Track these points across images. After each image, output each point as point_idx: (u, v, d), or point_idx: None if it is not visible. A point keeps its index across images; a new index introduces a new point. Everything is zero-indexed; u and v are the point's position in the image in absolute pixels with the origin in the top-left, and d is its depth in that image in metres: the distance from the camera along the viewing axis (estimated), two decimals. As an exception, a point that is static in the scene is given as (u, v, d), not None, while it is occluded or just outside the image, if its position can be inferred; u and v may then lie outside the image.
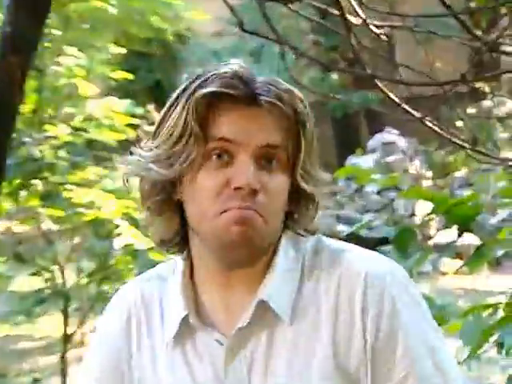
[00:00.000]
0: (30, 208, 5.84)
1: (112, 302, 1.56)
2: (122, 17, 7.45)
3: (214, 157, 1.38)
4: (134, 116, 6.64)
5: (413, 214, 12.09)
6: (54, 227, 6.08)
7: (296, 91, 1.41)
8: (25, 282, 6.70)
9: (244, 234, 1.36)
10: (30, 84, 5.65)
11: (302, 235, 1.46)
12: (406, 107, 2.77)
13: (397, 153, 13.33)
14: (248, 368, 1.41)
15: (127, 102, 6.53)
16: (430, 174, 13.94)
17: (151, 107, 12.45)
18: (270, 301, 1.40)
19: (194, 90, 1.38)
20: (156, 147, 1.40)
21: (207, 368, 1.43)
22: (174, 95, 1.41)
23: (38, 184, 5.70)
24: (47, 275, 6.19)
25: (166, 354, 1.46)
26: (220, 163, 1.38)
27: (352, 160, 12.98)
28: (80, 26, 6.91)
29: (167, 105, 1.41)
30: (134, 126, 7.20)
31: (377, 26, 2.74)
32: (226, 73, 1.39)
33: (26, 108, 5.53)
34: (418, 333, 1.41)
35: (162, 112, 1.42)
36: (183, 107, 1.38)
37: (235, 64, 1.41)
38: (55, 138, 5.79)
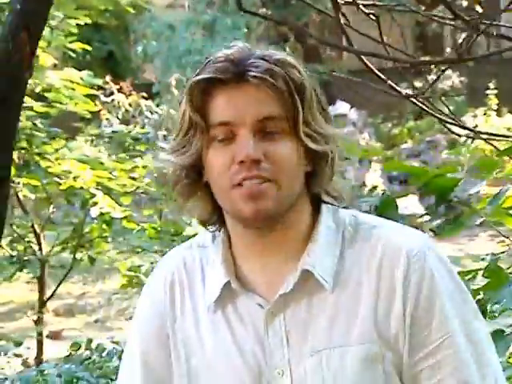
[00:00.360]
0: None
1: (156, 269, 1.59)
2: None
3: (218, 139, 1.42)
4: (93, 87, 6.59)
5: (364, 184, 12.22)
6: (31, 196, 6.05)
7: (289, 59, 1.43)
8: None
9: (257, 209, 1.39)
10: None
11: (336, 205, 1.49)
12: (392, 84, 2.85)
13: (348, 125, 13.44)
14: (287, 329, 1.44)
15: (84, 73, 6.46)
16: (378, 144, 14.07)
17: (109, 78, 12.37)
18: (313, 270, 1.43)
19: (191, 81, 1.43)
20: (174, 139, 1.47)
21: (248, 329, 1.45)
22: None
23: (14, 153, 5.65)
24: (24, 242, 6.16)
25: (208, 317, 1.48)
26: (224, 143, 1.41)
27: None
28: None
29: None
30: (93, 97, 7.17)
31: (365, 6, 2.81)
32: (218, 58, 1.42)
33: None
34: (453, 305, 1.43)
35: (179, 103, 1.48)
36: (185, 99, 1.43)
37: (234, 46, 1.44)
38: (31, 109, 5.74)
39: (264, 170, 1.39)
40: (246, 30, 16.62)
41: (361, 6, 2.77)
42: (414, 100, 2.89)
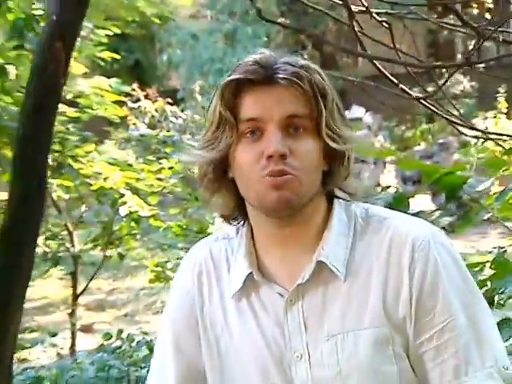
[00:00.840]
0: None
1: (185, 260, 1.63)
2: (111, 2, 7.44)
3: (248, 135, 1.45)
4: (120, 94, 6.64)
5: (378, 184, 12.21)
6: (64, 196, 6.10)
7: (312, 65, 1.47)
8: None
9: (281, 197, 1.42)
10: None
11: (349, 200, 1.53)
12: (404, 87, 2.89)
13: (363, 128, 13.43)
14: (305, 316, 1.47)
15: (113, 80, 6.52)
16: (392, 147, 14.03)
17: (135, 86, 12.41)
18: (327, 261, 1.46)
19: (223, 82, 1.47)
20: (203, 136, 1.50)
21: (270, 315, 1.49)
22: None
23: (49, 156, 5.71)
24: (57, 240, 6.20)
25: (234, 304, 1.52)
26: (253, 139, 1.45)
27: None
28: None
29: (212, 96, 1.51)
30: (121, 104, 7.22)
31: (378, 14, 2.85)
32: (248, 62, 1.46)
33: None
34: (456, 291, 1.45)
35: (209, 103, 1.51)
36: (216, 97, 1.47)
37: (261, 52, 1.48)
38: (64, 114, 5.80)
39: (289, 165, 1.42)
40: (265, 39, 16.64)
41: (374, 15, 2.81)
42: (425, 102, 2.93)
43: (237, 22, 16.78)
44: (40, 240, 5.99)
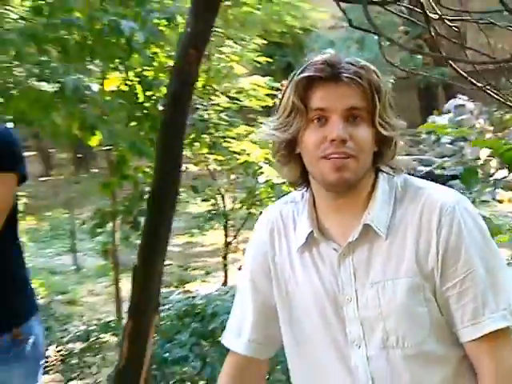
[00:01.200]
0: (201, 154, 5.98)
1: (261, 218, 1.61)
2: (265, 18, 7.47)
3: (315, 121, 1.41)
4: (272, 89, 6.67)
5: (478, 158, 11.71)
6: (218, 168, 6.22)
7: (371, 66, 1.42)
8: (197, 206, 6.90)
9: (340, 178, 1.39)
10: (202, 67, 5.77)
11: (392, 174, 1.47)
12: (471, 79, 2.70)
13: (466, 113, 12.88)
14: (354, 267, 1.44)
15: (267, 78, 6.54)
16: (491, 128, 13.39)
17: (284, 82, 12.44)
18: (372, 224, 1.43)
19: (296, 77, 1.42)
20: (277, 118, 1.45)
21: (327, 266, 1.47)
22: (288, 80, 1.45)
23: (206, 138, 5.82)
24: (212, 201, 6.35)
25: (298, 256, 1.50)
26: (319, 125, 1.40)
27: (432, 119, 12.64)
28: (235, 25, 6.95)
29: (285, 87, 1.45)
30: (273, 96, 7.23)
31: (450, 20, 2.68)
32: (317, 61, 1.41)
33: (198, 84, 5.65)
34: (476, 248, 1.41)
35: (281, 93, 1.46)
36: (290, 89, 1.42)
37: (327, 53, 1.43)
38: (218, 105, 5.88)
39: (349, 148, 1.39)
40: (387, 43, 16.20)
41: (446, 21, 2.65)
42: (489, 91, 2.74)
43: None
44: (198, 201, 6.17)
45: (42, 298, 6.59)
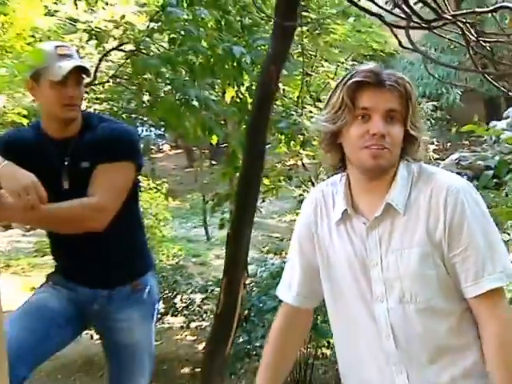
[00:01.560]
0: (295, 150, 5.93)
1: (308, 197, 1.60)
2: (354, 43, 7.34)
3: (360, 117, 1.38)
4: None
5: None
6: (309, 161, 6.15)
7: (406, 78, 1.39)
8: (290, 192, 6.85)
9: (376, 164, 1.37)
10: (297, 81, 5.74)
11: (410, 162, 1.43)
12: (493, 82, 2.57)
13: (513, 120, 12.03)
14: (379, 238, 1.41)
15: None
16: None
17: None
18: (393, 203, 1.40)
19: (347, 81, 1.39)
20: (327, 113, 1.42)
21: (358, 236, 1.44)
22: (337, 82, 1.43)
23: (300, 137, 5.75)
24: (304, 187, 6.29)
25: (335, 228, 1.48)
26: (363, 121, 1.38)
27: (494, 123, 11.94)
28: (329, 49, 6.87)
29: (334, 88, 1.43)
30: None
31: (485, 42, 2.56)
32: (364, 69, 1.39)
33: (294, 94, 5.62)
34: (477, 224, 1.37)
35: (331, 92, 1.44)
36: (341, 90, 1.39)
37: (371, 65, 1.41)
38: (310, 111, 5.80)
39: (385, 142, 1.37)
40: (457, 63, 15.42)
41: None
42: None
43: (439, 53, 15.76)
44: (293, 186, 6.12)
45: (180, 259, 6.81)
